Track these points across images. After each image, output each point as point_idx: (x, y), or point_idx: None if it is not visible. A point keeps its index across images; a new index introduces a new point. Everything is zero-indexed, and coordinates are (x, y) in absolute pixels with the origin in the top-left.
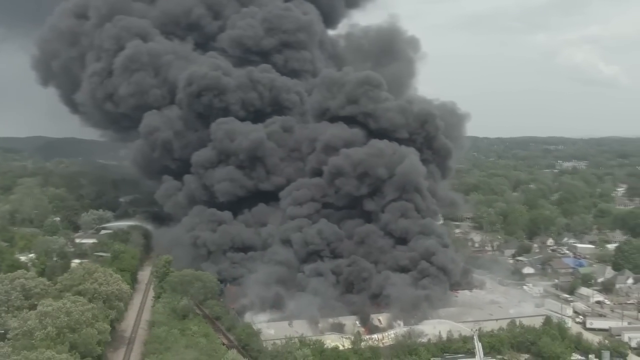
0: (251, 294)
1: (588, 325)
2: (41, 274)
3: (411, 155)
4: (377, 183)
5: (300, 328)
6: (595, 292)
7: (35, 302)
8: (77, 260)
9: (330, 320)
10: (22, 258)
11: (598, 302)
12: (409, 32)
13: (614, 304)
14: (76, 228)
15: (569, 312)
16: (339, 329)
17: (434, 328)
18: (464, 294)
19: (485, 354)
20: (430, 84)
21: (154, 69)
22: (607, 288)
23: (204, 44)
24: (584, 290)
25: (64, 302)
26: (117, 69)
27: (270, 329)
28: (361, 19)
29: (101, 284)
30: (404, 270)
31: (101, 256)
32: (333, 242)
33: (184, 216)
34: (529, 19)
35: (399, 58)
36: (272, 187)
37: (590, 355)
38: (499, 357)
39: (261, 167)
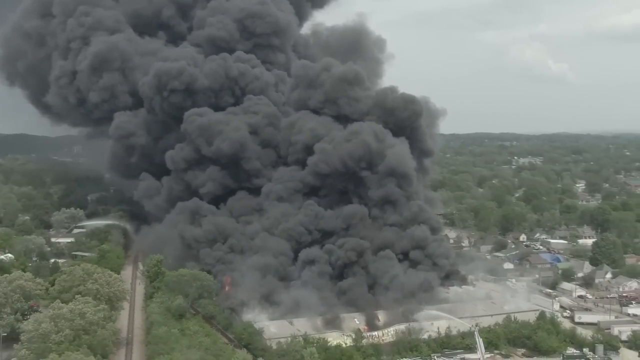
0: (246, 291)
1: (576, 320)
2: None
3: (398, 146)
4: (364, 179)
5: (300, 325)
6: (577, 286)
7: (33, 304)
8: (59, 260)
9: (330, 317)
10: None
11: (580, 297)
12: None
13: (596, 298)
14: (47, 227)
15: (556, 306)
16: (339, 326)
17: (432, 324)
18: (455, 290)
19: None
20: (383, 80)
21: (122, 71)
22: (587, 283)
23: (174, 41)
24: (565, 285)
25: (76, 304)
26: (84, 71)
27: (272, 327)
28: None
29: (102, 284)
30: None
31: (84, 256)
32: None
33: (165, 214)
34: (479, 16)
35: (366, 57)
36: (256, 185)
37: (584, 349)
38: (497, 352)
39: (244, 170)
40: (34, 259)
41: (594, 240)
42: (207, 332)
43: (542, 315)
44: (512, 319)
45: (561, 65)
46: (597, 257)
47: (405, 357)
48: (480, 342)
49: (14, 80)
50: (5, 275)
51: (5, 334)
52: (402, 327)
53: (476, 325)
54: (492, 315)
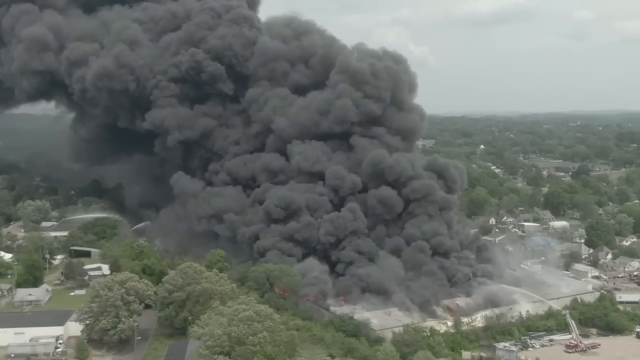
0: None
1: (617, 299)
2: None
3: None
4: None
5: (398, 315)
6: (592, 268)
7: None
8: (59, 257)
9: (424, 306)
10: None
11: (595, 277)
12: None
13: (609, 277)
14: (7, 220)
15: (589, 287)
16: (433, 313)
17: (510, 309)
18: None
19: (562, 331)
20: None
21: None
22: (592, 264)
23: None
24: (579, 267)
25: (258, 305)
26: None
27: (372, 318)
28: None
29: (213, 283)
30: None
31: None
32: None
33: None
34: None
35: None
36: None
37: None
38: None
39: None
40: (46, 255)
41: (577, 222)
42: (310, 326)
43: (602, 296)
44: (579, 300)
45: (422, 49)
46: (592, 239)
47: (501, 342)
48: (573, 325)
49: None
50: (110, 276)
51: (139, 338)
52: (486, 312)
53: (567, 310)
54: (558, 298)
